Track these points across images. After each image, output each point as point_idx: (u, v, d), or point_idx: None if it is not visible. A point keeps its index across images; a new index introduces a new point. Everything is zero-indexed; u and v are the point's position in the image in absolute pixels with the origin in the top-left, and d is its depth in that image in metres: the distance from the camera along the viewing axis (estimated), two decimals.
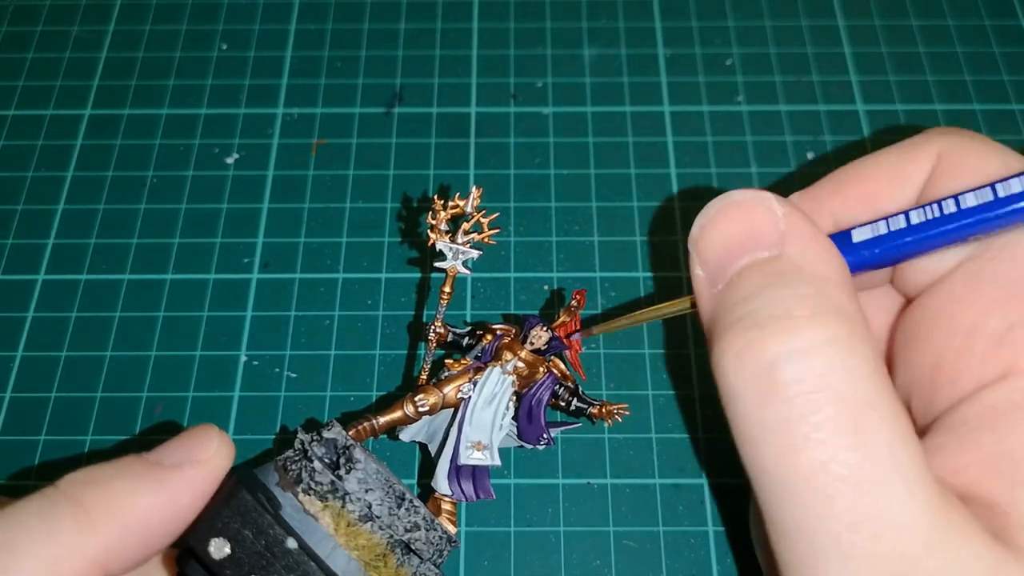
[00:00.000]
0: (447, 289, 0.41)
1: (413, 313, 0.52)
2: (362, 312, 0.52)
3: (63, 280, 0.53)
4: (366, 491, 0.34)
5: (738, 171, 0.57)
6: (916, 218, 0.32)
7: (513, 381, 0.41)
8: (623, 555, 0.45)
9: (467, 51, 0.62)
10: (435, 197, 0.39)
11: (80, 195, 0.56)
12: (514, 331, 0.44)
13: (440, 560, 0.35)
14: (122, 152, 0.58)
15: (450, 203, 0.39)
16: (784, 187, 0.56)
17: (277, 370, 0.50)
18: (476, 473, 0.41)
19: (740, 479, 0.47)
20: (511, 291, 0.53)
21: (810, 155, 0.58)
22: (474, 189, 0.39)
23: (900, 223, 0.32)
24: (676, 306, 0.37)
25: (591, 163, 0.57)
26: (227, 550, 0.31)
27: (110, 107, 0.60)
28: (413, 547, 0.34)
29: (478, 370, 0.42)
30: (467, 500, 0.41)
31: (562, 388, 0.43)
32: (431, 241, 0.39)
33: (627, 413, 0.44)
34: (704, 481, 0.47)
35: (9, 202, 0.56)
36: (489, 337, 0.43)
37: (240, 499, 0.32)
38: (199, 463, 0.32)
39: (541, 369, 0.43)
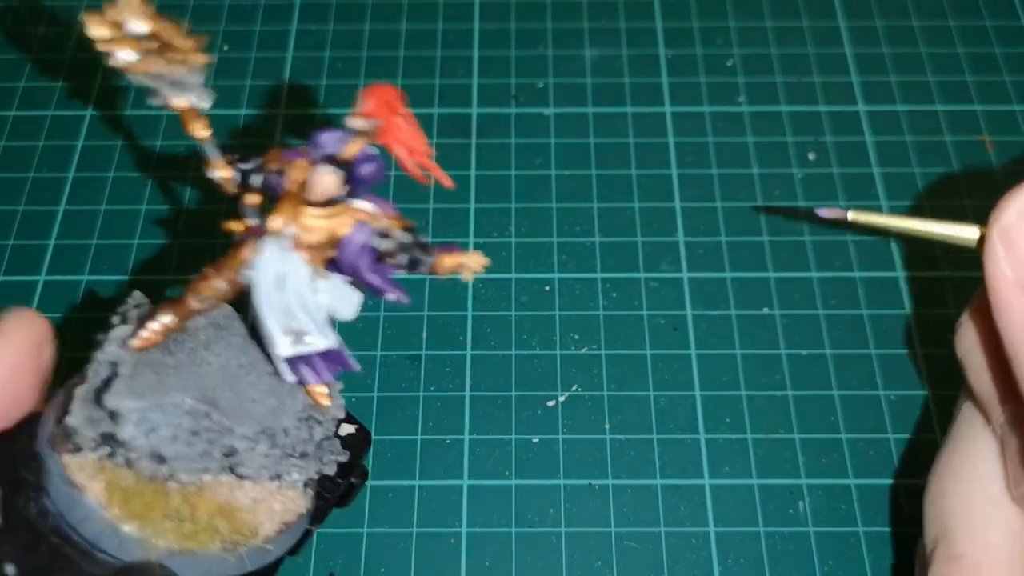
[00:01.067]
0: (197, 128, 0.31)
1: (413, 314, 0.52)
2: (362, 312, 0.52)
3: (64, 281, 0.53)
4: (147, 433, 0.28)
5: (739, 172, 0.57)
6: None
7: (302, 255, 0.30)
8: (624, 556, 0.45)
9: (468, 52, 0.62)
10: (84, 16, 0.28)
11: (81, 196, 0.56)
12: (304, 165, 0.30)
13: (306, 448, 0.31)
14: (123, 153, 0.58)
15: (109, 14, 0.28)
16: (786, 187, 0.56)
17: None
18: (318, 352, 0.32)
19: (739, 479, 0.47)
20: (512, 292, 0.53)
21: (811, 156, 0.58)
22: None
23: None
24: (959, 236, 0.30)
25: (592, 164, 0.57)
26: None
27: (111, 108, 0.60)
28: (238, 472, 0.29)
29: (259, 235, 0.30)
30: (325, 380, 0.33)
31: (385, 240, 0.30)
32: (125, 70, 0.29)
33: (485, 262, 0.30)
34: (705, 481, 0.47)
35: (10, 203, 0.56)
36: (251, 199, 0.31)
37: None
38: None
39: (345, 220, 0.29)
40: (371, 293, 0.31)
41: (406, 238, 0.30)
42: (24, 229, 0.55)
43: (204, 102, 0.30)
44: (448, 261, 0.30)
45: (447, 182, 0.31)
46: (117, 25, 0.28)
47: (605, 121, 0.59)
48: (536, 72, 0.62)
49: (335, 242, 0.29)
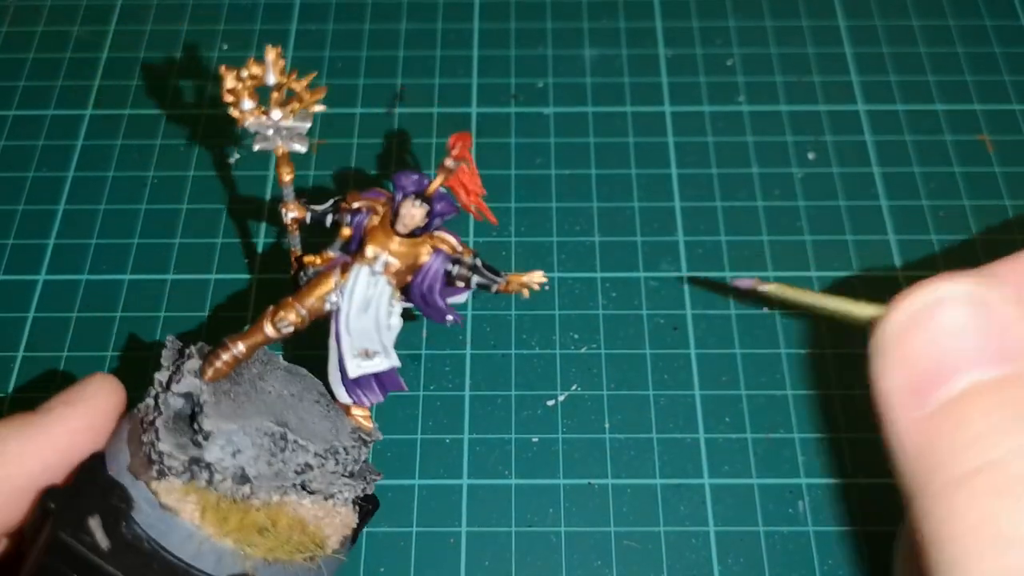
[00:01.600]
0: (285, 172, 0.34)
1: None
2: None
3: (64, 280, 0.53)
4: (234, 454, 0.30)
5: (739, 171, 0.57)
6: None
7: (389, 280, 0.34)
8: (624, 555, 0.45)
9: (468, 51, 0.62)
10: (222, 69, 0.31)
11: (81, 195, 0.56)
12: (385, 203, 0.35)
13: (355, 467, 0.33)
14: (123, 152, 0.58)
15: (245, 73, 0.31)
16: (785, 187, 0.56)
17: None
18: (377, 373, 0.35)
19: (739, 479, 0.47)
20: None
21: (811, 155, 0.58)
22: (270, 50, 0.31)
23: None
24: (858, 314, 0.29)
25: (592, 163, 0.57)
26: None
27: (111, 107, 0.60)
28: (309, 488, 0.31)
29: (346, 266, 0.34)
30: (375, 402, 0.35)
31: (457, 266, 0.34)
32: (239, 120, 0.32)
33: (544, 280, 0.35)
34: (705, 481, 0.47)
35: (10, 202, 0.56)
36: (345, 231, 0.35)
37: (57, 541, 0.28)
38: (71, 403, 0.32)
39: (425, 250, 0.34)
40: (432, 317, 0.35)
41: (477, 262, 0.34)
42: (24, 228, 0.55)
43: (303, 147, 0.33)
44: (515, 281, 0.35)
45: (494, 220, 0.37)
46: (252, 77, 0.31)
47: (605, 121, 0.59)
48: (536, 72, 0.62)
49: (416, 268, 0.34)
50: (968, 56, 0.62)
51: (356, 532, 0.34)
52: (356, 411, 0.35)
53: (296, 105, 0.31)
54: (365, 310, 0.33)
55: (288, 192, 0.34)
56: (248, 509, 0.30)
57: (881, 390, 0.25)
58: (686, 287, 0.53)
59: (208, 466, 0.29)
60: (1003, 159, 0.57)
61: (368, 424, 0.35)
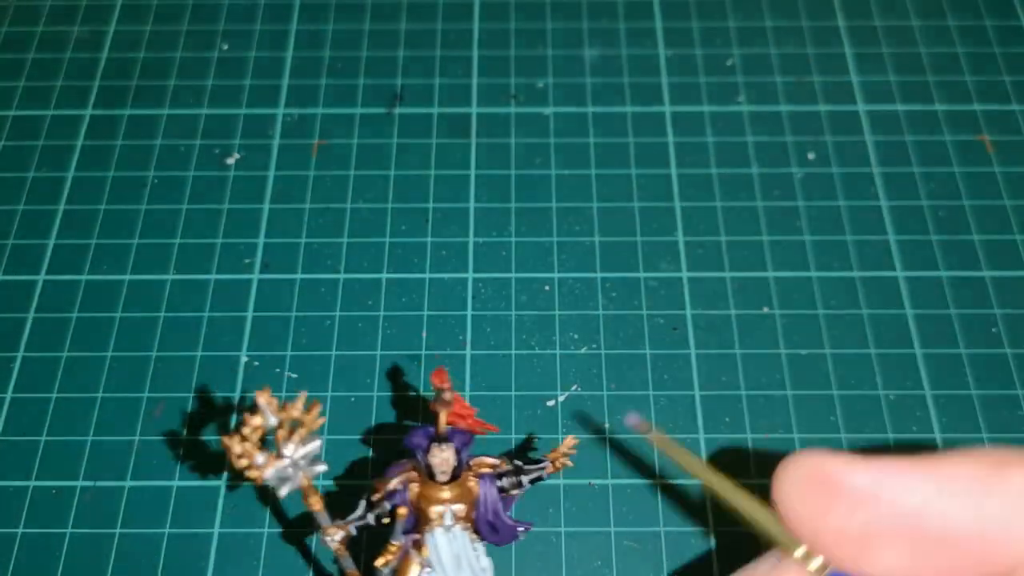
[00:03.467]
0: (315, 502, 0.34)
1: (413, 314, 0.52)
2: (362, 312, 0.52)
3: (64, 280, 0.53)
4: None
5: (739, 171, 0.57)
6: None
7: (463, 527, 0.36)
8: (624, 555, 0.45)
9: (468, 51, 0.62)
10: (224, 440, 0.30)
11: (81, 195, 0.56)
12: (412, 469, 0.36)
13: None
14: (123, 152, 0.58)
15: (246, 429, 0.30)
16: (785, 187, 0.56)
17: (278, 370, 0.50)
18: None
19: (739, 479, 0.47)
20: (512, 291, 0.53)
21: (811, 155, 0.58)
22: (261, 394, 0.30)
23: None
24: (778, 538, 0.30)
25: (592, 163, 0.57)
26: None
27: (111, 107, 0.60)
28: None
29: (416, 544, 0.36)
30: None
31: (505, 478, 0.37)
32: (257, 479, 0.31)
33: (576, 442, 0.38)
34: None
35: (10, 202, 0.56)
36: (402, 511, 0.35)
37: None
38: None
39: (472, 484, 0.36)
40: (501, 541, 0.37)
41: (517, 464, 0.37)
42: (24, 229, 0.55)
43: (324, 466, 0.32)
44: (557, 459, 0.37)
45: (495, 428, 0.38)
46: (255, 430, 0.30)
47: (605, 121, 0.59)
48: (536, 72, 0.62)
49: (473, 502, 0.36)
50: (968, 56, 0.62)
51: None
52: None
53: (302, 431, 0.31)
54: (459, 566, 0.35)
55: (323, 517, 0.34)
56: None
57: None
58: (686, 287, 0.53)
59: None
60: (1003, 159, 0.57)
61: None
